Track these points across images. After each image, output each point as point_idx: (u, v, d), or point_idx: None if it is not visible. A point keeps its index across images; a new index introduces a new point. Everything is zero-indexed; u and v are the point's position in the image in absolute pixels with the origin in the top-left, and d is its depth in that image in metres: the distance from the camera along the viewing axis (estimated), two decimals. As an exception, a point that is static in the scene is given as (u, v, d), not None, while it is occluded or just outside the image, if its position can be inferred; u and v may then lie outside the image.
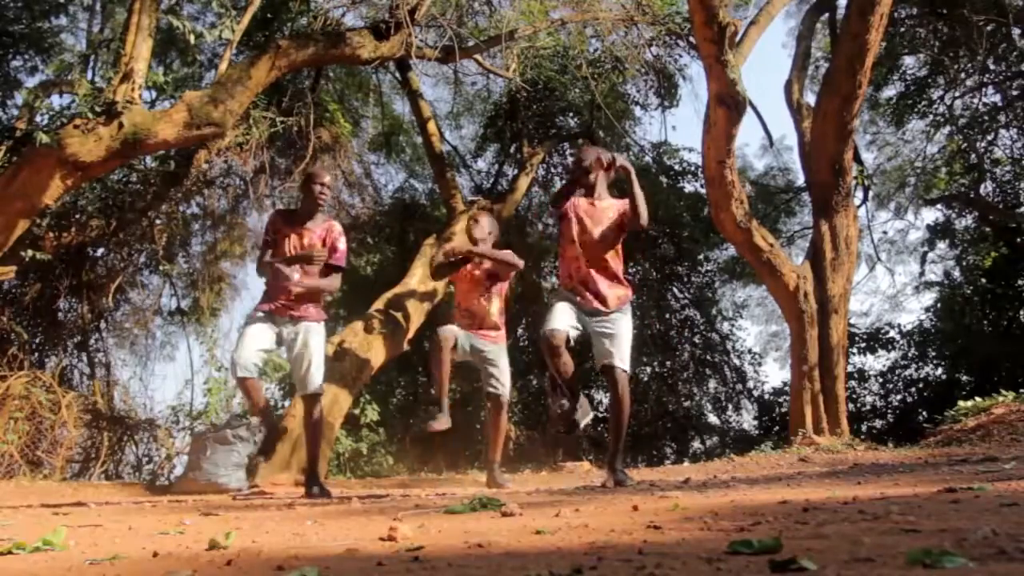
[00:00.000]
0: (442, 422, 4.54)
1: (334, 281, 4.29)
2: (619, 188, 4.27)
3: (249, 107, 7.56)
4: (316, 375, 4.16)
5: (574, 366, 3.81)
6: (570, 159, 11.33)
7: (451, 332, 4.70)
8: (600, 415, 11.72)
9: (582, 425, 3.84)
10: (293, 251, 4.17)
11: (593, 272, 3.87)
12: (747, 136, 48.34)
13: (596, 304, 3.84)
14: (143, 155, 7.11)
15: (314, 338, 4.17)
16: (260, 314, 4.16)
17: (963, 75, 11.04)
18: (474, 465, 8.39)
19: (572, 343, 3.89)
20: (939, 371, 12.45)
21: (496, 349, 4.90)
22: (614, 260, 3.93)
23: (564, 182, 3.89)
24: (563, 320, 3.77)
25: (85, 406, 7.73)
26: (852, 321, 12.27)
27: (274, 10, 8.78)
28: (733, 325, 13.06)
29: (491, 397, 4.90)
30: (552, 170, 11.94)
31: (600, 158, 3.98)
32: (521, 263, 5.00)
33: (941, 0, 10.07)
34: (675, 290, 12.42)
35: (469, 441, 9.99)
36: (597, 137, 11.62)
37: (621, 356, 3.77)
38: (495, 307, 4.96)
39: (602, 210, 3.95)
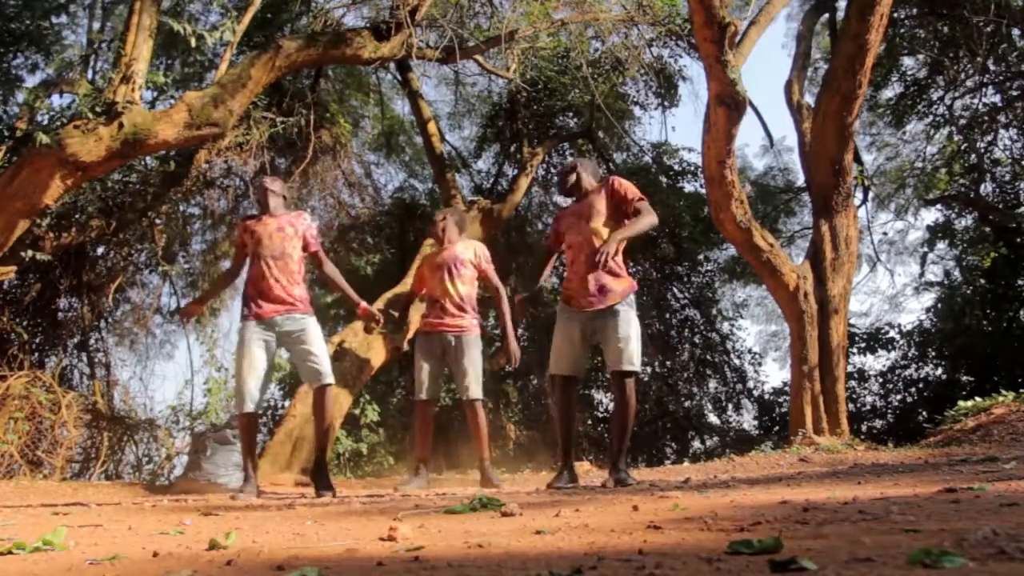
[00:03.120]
0: (413, 487, 4.48)
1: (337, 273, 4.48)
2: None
3: (249, 107, 7.56)
4: (324, 365, 4.16)
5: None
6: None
7: (428, 393, 4.65)
8: (601, 415, 11.72)
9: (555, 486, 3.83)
10: (268, 239, 4.20)
11: (589, 267, 3.85)
12: (747, 136, 48.45)
13: (598, 303, 3.82)
14: (143, 155, 7.10)
15: (311, 330, 4.18)
16: (252, 324, 4.14)
17: (963, 75, 11.02)
18: (474, 465, 8.37)
19: (579, 383, 3.98)
20: (939, 371, 12.44)
21: (464, 340, 4.65)
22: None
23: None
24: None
25: (85, 406, 7.72)
26: (852, 321, 12.27)
27: (274, 10, 8.78)
28: (733, 325, 13.06)
29: (464, 403, 4.71)
30: (552, 170, 11.95)
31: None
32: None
33: (941, 0, 10.06)
34: (675, 290, 12.41)
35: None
36: (597, 137, 11.62)
37: (630, 359, 3.78)
38: (463, 291, 4.74)
39: (589, 204, 3.99)
